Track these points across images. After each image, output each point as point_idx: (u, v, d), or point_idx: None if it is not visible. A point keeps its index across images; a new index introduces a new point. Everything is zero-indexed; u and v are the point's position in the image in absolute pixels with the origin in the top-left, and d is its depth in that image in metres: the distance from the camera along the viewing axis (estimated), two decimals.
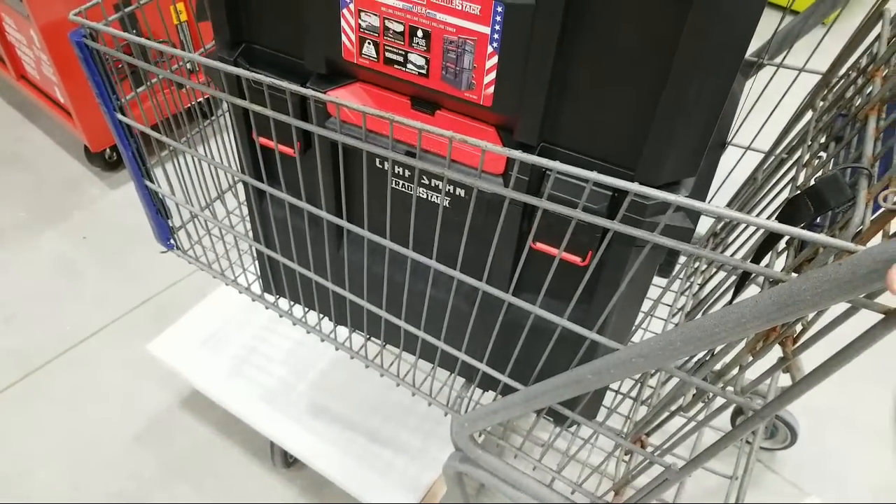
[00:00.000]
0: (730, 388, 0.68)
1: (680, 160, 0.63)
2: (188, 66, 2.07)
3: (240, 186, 1.08)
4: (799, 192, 0.61)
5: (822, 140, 0.84)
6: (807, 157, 0.85)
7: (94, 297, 1.73)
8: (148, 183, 1.01)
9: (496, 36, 0.62)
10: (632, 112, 0.62)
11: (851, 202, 0.58)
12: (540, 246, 0.73)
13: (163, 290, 1.75)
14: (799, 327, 0.61)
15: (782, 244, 0.77)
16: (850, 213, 0.57)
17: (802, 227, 0.68)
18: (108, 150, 2.03)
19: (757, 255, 0.73)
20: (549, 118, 0.67)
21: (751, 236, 1.05)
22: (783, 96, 1.01)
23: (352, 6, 0.67)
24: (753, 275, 0.78)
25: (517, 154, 0.57)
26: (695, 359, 0.99)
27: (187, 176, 0.99)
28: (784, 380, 1.49)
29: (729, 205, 1.13)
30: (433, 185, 0.80)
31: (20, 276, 1.78)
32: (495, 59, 0.63)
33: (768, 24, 1.00)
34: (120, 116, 0.93)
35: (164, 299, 1.73)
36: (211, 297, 1.48)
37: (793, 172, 0.90)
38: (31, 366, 1.58)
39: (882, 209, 0.55)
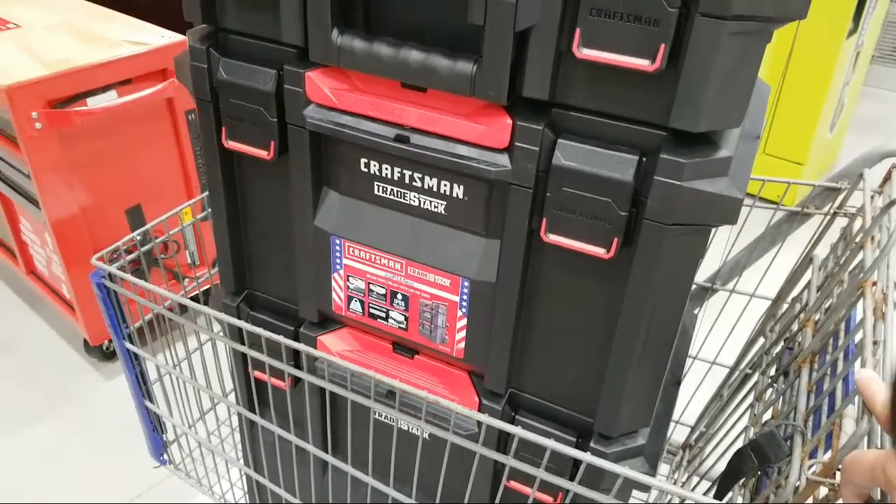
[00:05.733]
0: None
1: (634, 413, 0.70)
2: (189, 260, 2.20)
3: (231, 396, 1.13)
4: (744, 445, 0.67)
5: (773, 372, 0.92)
6: (761, 387, 0.92)
7: (76, 497, 1.71)
8: (148, 403, 1.06)
9: (464, 303, 0.71)
10: (587, 369, 0.70)
11: (789, 458, 0.64)
12: (514, 485, 0.78)
13: (148, 489, 1.74)
14: None
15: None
16: (787, 470, 0.62)
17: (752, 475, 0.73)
18: (106, 342, 2.10)
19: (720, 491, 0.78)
20: (515, 370, 0.74)
21: (727, 449, 1.09)
22: (737, 321, 1.10)
23: (341, 272, 0.76)
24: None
25: (483, 417, 0.64)
26: None
27: (181, 391, 1.05)
28: None
29: (699, 419, 1.18)
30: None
31: (2, 470, 1.77)
32: (465, 321, 0.72)
33: (718, 253, 1.12)
34: (128, 345, 1.00)
35: (149, 499, 1.71)
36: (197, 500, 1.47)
37: (751, 398, 0.96)
38: None
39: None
